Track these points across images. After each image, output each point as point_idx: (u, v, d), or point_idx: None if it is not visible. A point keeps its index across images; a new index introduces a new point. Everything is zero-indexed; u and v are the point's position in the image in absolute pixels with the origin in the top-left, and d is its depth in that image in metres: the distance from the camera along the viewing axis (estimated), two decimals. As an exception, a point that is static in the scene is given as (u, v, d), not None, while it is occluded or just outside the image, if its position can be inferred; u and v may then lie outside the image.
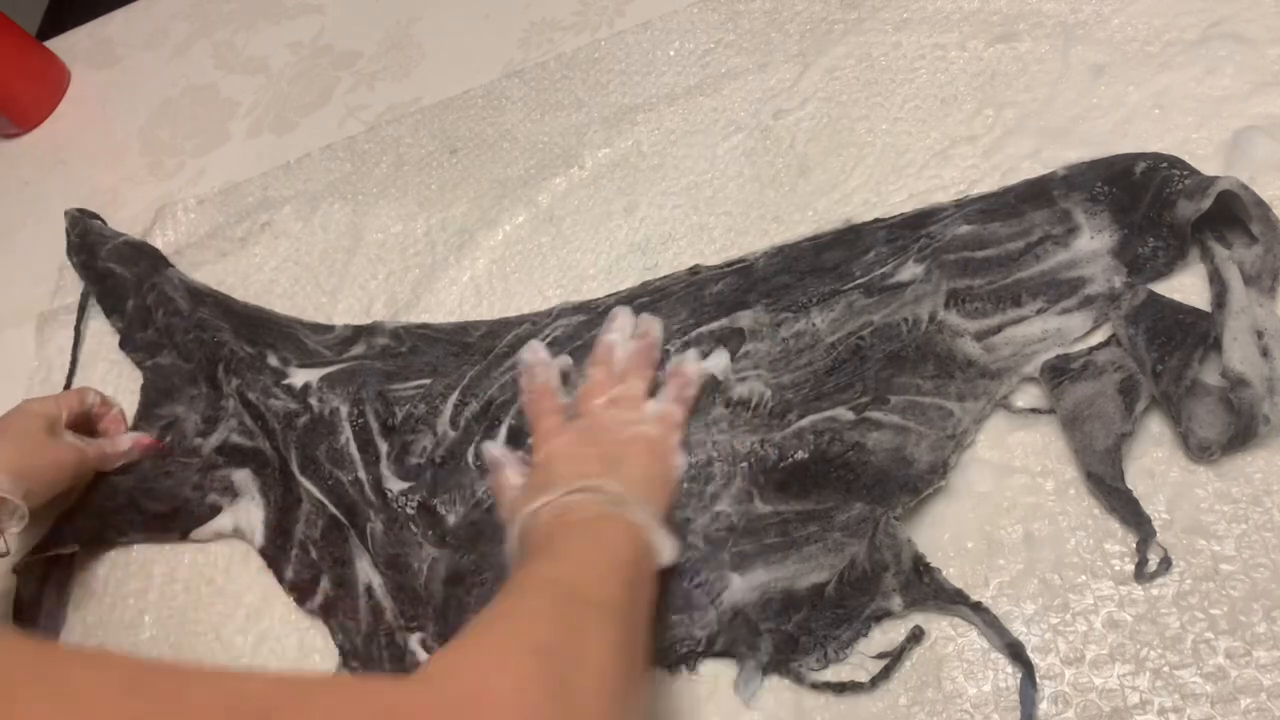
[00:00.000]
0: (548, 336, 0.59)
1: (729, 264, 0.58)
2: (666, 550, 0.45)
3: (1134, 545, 0.43)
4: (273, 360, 0.64)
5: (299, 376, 0.62)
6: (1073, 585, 0.43)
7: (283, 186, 0.76)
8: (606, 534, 0.44)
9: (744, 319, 0.54)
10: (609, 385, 0.52)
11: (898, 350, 0.50)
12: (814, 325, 0.53)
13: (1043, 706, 0.41)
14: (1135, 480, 0.44)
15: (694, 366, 0.53)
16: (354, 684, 0.29)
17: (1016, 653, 0.42)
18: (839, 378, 0.51)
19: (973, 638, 0.44)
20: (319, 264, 0.70)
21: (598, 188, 0.66)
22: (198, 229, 0.76)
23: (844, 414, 0.49)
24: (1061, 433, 0.46)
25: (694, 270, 0.59)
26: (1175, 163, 0.50)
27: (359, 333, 0.64)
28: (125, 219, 0.81)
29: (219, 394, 0.64)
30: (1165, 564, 0.42)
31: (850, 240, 0.56)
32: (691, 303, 0.57)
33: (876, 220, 0.56)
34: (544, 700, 0.31)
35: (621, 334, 0.55)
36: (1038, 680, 0.42)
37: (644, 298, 0.59)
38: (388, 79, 0.80)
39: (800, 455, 0.48)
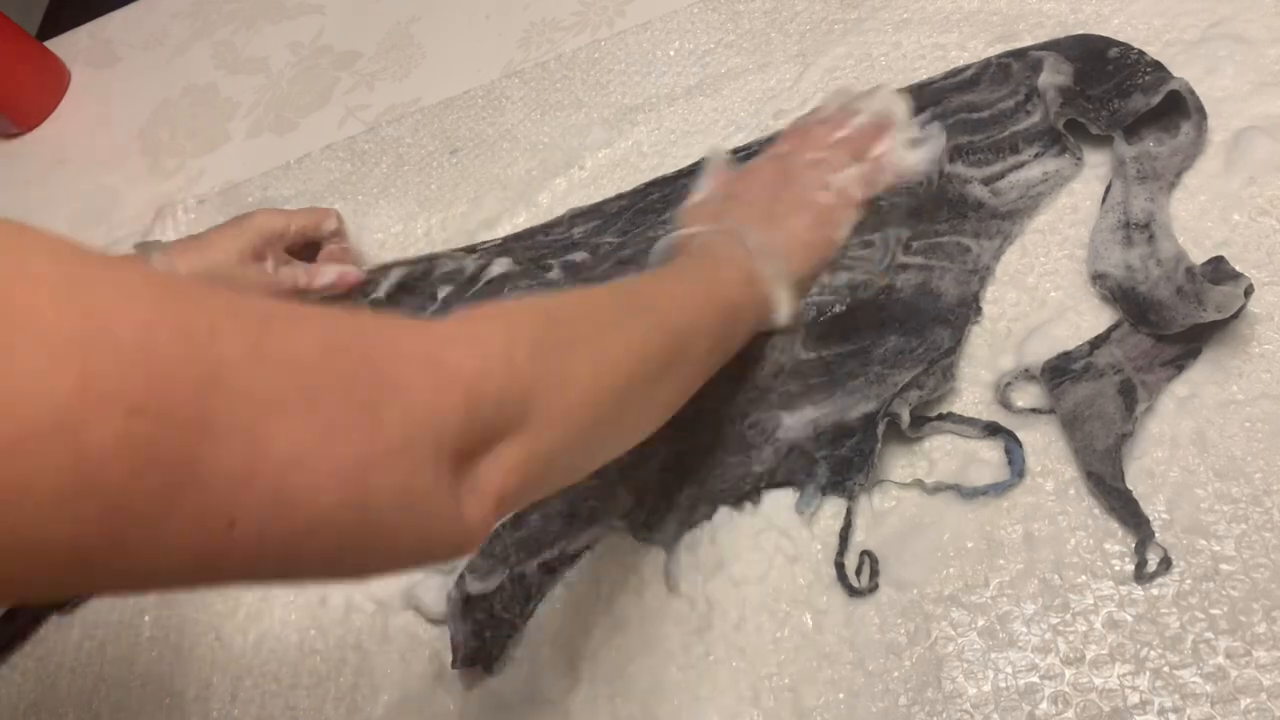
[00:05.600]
0: (561, 241, 0.63)
1: (735, 152, 0.62)
2: (783, 307, 0.49)
3: (1134, 545, 0.43)
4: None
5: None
6: (1073, 585, 0.43)
7: (283, 186, 0.76)
8: (715, 273, 0.46)
9: None
10: (821, 143, 0.54)
11: (915, 206, 0.54)
12: None
13: (1043, 706, 0.41)
14: (1135, 480, 0.44)
15: (905, 159, 0.53)
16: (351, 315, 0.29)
17: (995, 429, 0.47)
18: (862, 234, 0.54)
19: (973, 638, 0.44)
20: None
21: (598, 187, 0.66)
22: (197, 229, 0.76)
23: (873, 266, 0.53)
24: (1061, 433, 0.46)
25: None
26: (1143, 56, 0.55)
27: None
28: (125, 219, 0.81)
29: None
30: (1165, 564, 0.42)
31: None
32: None
33: None
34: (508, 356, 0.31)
35: (869, 113, 0.55)
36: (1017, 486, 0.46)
37: (653, 193, 0.62)
38: (388, 79, 0.80)
39: (838, 309, 0.52)
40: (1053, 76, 0.56)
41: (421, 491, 0.27)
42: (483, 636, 0.50)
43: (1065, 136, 0.54)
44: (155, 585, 0.23)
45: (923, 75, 0.61)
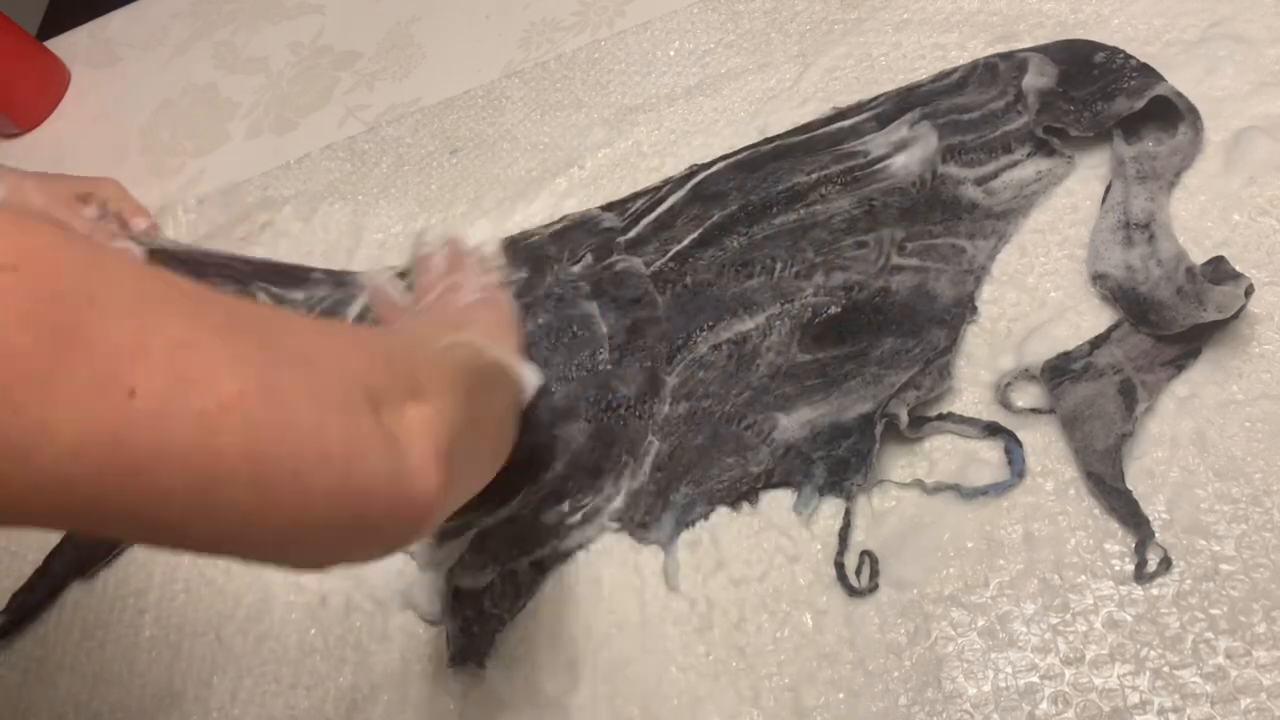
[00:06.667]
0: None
1: (726, 158, 0.61)
2: (529, 375, 0.50)
3: (1134, 545, 0.43)
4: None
5: None
6: (1073, 585, 0.43)
7: (283, 186, 0.76)
8: (458, 356, 0.47)
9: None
10: (436, 284, 0.58)
11: (909, 206, 0.54)
12: (821, 194, 0.58)
13: (1043, 706, 0.41)
14: (1135, 480, 0.44)
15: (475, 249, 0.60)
16: None
17: (995, 429, 0.47)
18: (856, 235, 0.55)
19: (973, 638, 0.44)
20: (319, 264, 0.70)
21: (598, 188, 0.66)
22: (198, 229, 0.76)
23: (868, 267, 0.54)
24: (1061, 433, 0.46)
25: (691, 170, 0.62)
26: (1129, 60, 0.55)
27: None
28: (125, 219, 0.81)
29: None
30: (1165, 564, 0.42)
31: (840, 123, 0.60)
32: (698, 207, 0.60)
33: (860, 103, 0.60)
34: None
35: (434, 247, 0.60)
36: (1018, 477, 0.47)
37: (643, 197, 0.62)
38: (388, 79, 0.80)
39: (833, 310, 0.52)
40: (1036, 79, 0.56)
41: (333, 400, 0.28)
42: (471, 632, 0.50)
43: (1050, 140, 0.54)
44: (73, 462, 0.23)
45: (923, 75, 0.61)
